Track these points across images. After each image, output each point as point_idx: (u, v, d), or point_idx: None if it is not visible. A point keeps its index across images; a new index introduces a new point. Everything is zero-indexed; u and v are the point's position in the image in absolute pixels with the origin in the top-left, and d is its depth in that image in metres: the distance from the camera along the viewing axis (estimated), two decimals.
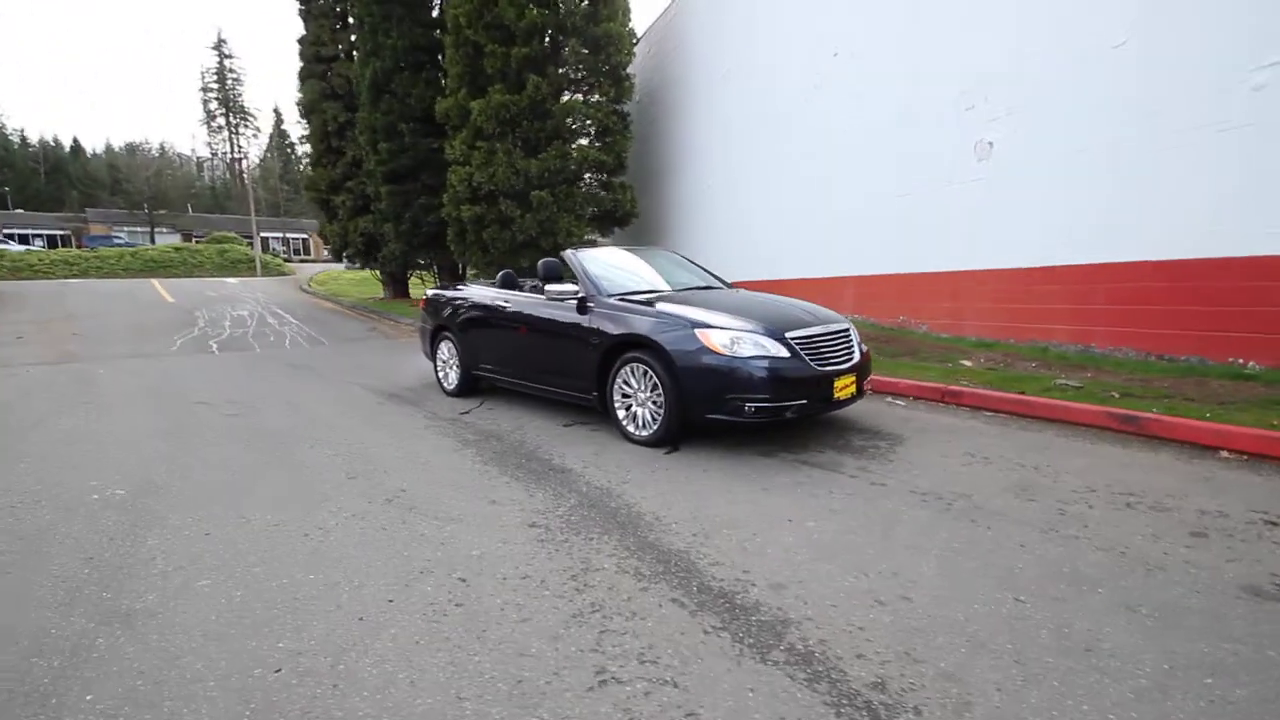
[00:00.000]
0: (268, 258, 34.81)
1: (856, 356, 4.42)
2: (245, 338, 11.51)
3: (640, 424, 4.44)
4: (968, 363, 6.51)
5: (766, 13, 10.38)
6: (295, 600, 2.44)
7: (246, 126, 65.28)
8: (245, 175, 57.10)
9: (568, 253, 5.25)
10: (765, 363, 4.00)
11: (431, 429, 5.06)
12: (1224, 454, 3.82)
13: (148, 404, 6.22)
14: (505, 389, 6.18)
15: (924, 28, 7.66)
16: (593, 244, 14.21)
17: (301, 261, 46.99)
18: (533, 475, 3.86)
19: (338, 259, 19.77)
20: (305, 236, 54.75)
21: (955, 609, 2.28)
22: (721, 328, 4.13)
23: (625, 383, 4.52)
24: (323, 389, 6.92)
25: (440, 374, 6.46)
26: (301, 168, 63.47)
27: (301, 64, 17.29)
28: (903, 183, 7.97)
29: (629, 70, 12.50)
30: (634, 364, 4.42)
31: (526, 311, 5.32)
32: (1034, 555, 2.67)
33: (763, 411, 3.99)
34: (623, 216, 13.01)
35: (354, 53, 16.24)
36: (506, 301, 5.55)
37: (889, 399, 5.62)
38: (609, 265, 5.27)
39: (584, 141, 12.63)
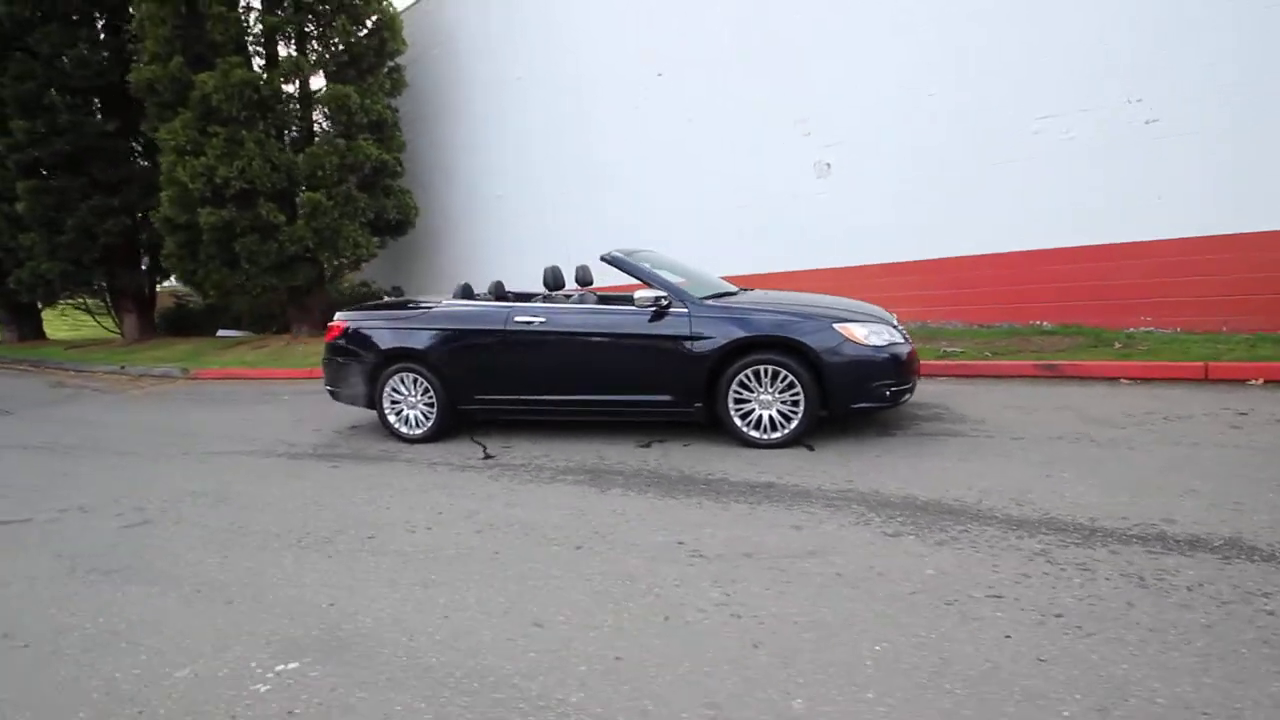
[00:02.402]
0: None
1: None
2: None
3: (765, 427, 4.31)
4: None
5: (567, 20, 10.38)
6: (827, 668, 1.94)
7: None
8: None
9: (618, 255, 4.69)
10: (894, 350, 4.32)
11: (501, 478, 4.02)
12: (1124, 381, 5.53)
13: None
14: (499, 421, 5.16)
15: (755, 62, 8.75)
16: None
17: None
18: (757, 498, 3.47)
19: None
20: None
21: (1216, 498, 3.00)
22: (859, 321, 4.31)
23: (743, 386, 4.32)
24: (206, 466, 4.71)
25: (392, 418, 5.02)
26: None
27: None
28: (752, 196, 8.97)
29: (400, 62, 11.11)
30: (760, 366, 4.27)
31: (579, 326, 4.59)
32: (1175, 457, 3.60)
33: (895, 394, 4.31)
34: (400, 224, 11.52)
35: None
36: (534, 315, 4.67)
37: None
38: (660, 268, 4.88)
39: (326, 136, 10.78)
